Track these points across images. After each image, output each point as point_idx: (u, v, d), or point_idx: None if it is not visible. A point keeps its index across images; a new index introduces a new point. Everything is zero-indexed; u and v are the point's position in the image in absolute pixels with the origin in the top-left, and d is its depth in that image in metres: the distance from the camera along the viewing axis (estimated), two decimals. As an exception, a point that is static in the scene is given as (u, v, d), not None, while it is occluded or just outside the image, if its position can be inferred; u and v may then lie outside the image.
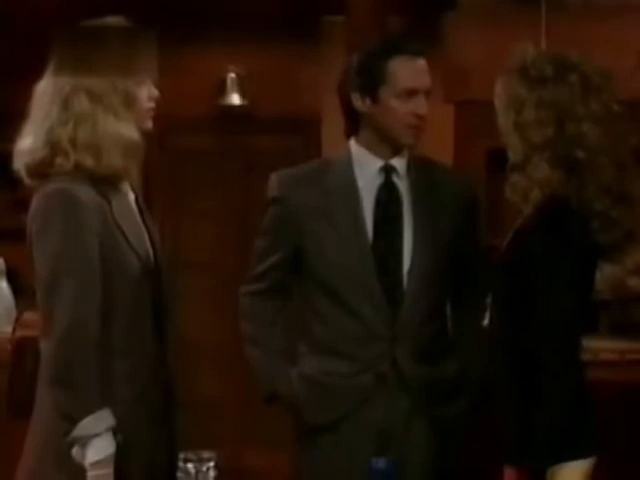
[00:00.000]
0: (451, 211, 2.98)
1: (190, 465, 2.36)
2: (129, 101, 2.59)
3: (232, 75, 5.57)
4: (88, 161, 2.53)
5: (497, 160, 4.52)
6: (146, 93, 2.65)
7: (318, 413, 2.93)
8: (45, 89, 2.58)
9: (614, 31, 4.71)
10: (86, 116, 2.54)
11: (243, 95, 5.59)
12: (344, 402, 2.91)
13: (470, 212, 3.02)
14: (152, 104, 2.67)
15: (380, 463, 2.46)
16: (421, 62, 2.93)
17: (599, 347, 4.48)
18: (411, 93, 2.90)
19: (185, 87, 5.56)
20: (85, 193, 2.52)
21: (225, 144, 5.71)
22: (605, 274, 4.70)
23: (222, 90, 5.59)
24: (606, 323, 4.70)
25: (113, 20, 2.71)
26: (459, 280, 3.03)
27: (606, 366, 4.39)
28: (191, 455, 2.37)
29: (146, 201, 6.21)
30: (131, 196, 2.68)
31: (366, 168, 2.96)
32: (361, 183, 2.96)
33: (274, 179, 2.98)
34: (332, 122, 4.87)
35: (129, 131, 2.56)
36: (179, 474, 2.38)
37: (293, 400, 2.94)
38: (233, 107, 5.61)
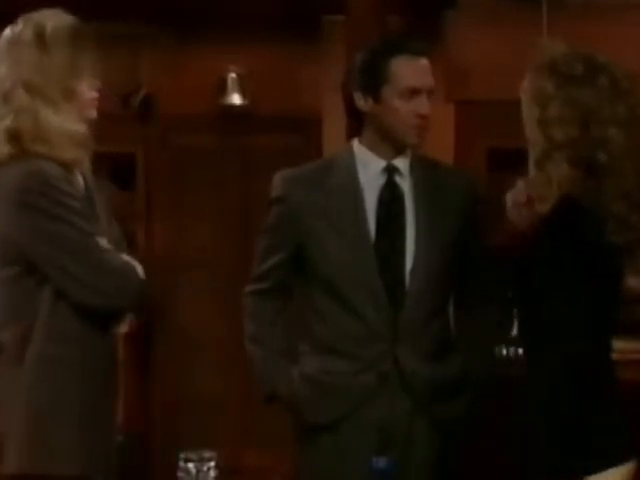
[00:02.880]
0: (454, 210, 2.97)
1: (191, 465, 2.36)
2: (68, 94, 2.61)
3: (233, 75, 5.57)
4: (40, 149, 2.54)
5: (497, 159, 4.54)
6: (86, 85, 2.65)
7: (318, 413, 2.93)
8: None
9: (615, 29, 4.70)
10: (26, 110, 2.56)
11: (243, 94, 5.59)
12: (345, 402, 2.91)
13: (474, 211, 3.02)
14: (94, 94, 2.68)
15: (380, 462, 2.46)
16: (423, 62, 2.92)
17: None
18: (413, 92, 2.90)
19: (186, 86, 5.56)
20: (56, 170, 2.55)
21: (226, 143, 5.71)
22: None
23: (223, 89, 5.59)
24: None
25: (51, 12, 2.68)
26: (462, 279, 3.03)
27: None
28: (192, 455, 2.37)
29: (146, 199, 6.25)
30: (81, 182, 2.70)
31: (369, 168, 2.96)
32: (364, 183, 2.96)
33: (277, 179, 2.98)
34: (332, 121, 4.89)
35: (71, 123, 2.58)
36: (180, 473, 2.38)
37: (293, 400, 2.94)
38: (234, 106, 5.61)
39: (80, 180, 2.68)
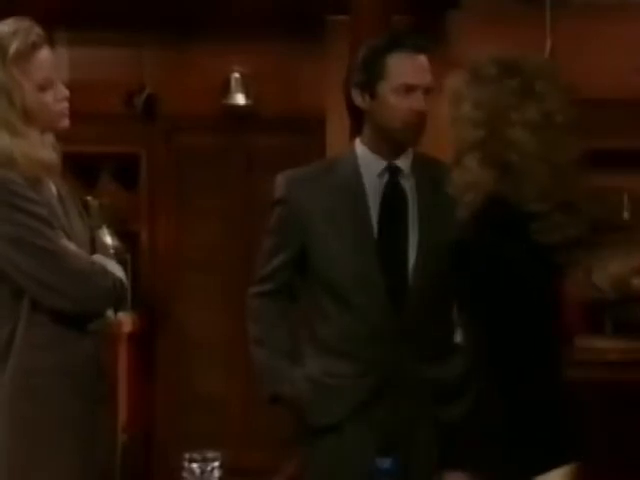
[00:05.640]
0: (455, 211, 2.97)
1: (195, 465, 2.35)
2: (29, 115, 2.59)
3: (236, 75, 5.56)
4: (3, 160, 2.54)
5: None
6: (52, 97, 2.63)
7: (322, 414, 2.92)
8: None
9: (619, 29, 4.70)
10: None
11: (247, 94, 5.58)
12: (348, 403, 2.90)
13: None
14: (64, 104, 2.66)
15: (384, 463, 2.46)
16: (421, 58, 2.90)
17: (603, 347, 4.47)
18: (409, 89, 2.88)
19: (189, 86, 5.56)
20: (17, 177, 2.54)
21: (230, 143, 5.70)
22: (609, 274, 4.69)
23: (226, 89, 5.59)
24: (610, 323, 4.69)
25: (14, 24, 2.64)
26: None
27: (610, 366, 4.38)
28: (196, 455, 2.36)
29: (150, 199, 6.25)
30: (53, 189, 2.69)
31: (371, 168, 2.95)
32: (366, 183, 2.95)
33: (280, 179, 2.97)
34: (336, 121, 4.88)
35: (28, 147, 2.56)
36: (184, 474, 2.38)
37: (296, 401, 2.94)
38: (237, 106, 5.61)
39: (51, 187, 2.67)
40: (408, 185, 2.95)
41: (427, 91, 2.90)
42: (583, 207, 2.59)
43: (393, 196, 2.94)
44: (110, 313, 2.72)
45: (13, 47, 2.58)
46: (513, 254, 2.52)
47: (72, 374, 2.59)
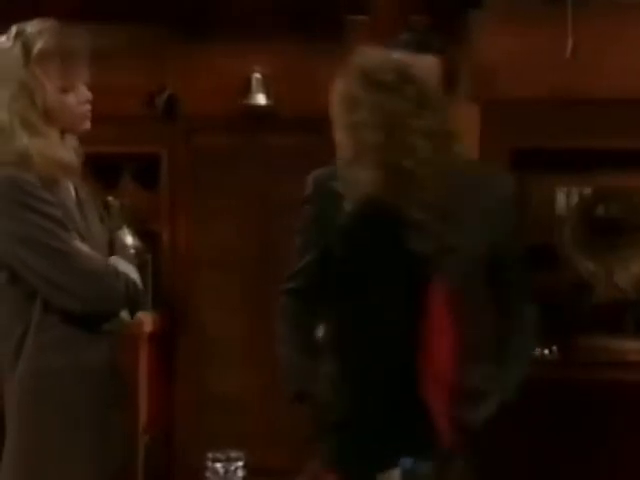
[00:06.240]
0: (482, 211, 2.95)
1: (218, 465, 2.36)
2: (49, 115, 2.60)
3: (257, 75, 5.56)
4: (19, 161, 2.56)
5: (522, 159, 4.52)
6: (75, 99, 2.63)
7: (338, 412, 2.88)
8: None
9: (640, 28, 4.68)
10: (4, 130, 2.57)
11: (268, 95, 5.58)
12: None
13: (505, 213, 2.99)
14: (86, 107, 2.67)
15: (407, 463, 2.45)
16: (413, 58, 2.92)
17: (625, 348, 4.45)
18: None
19: (210, 87, 5.56)
20: (31, 178, 2.56)
21: (250, 143, 5.70)
22: (632, 274, 4.67)
23: (247, 90, 5.58)
24: (631, 323, 4.67)
25: (42, 24, 2.67)
26: (496, 285, 3.01)
27: (630, 367, 4.36)
28: (219, 455, 2.36)
29: (170, 199, 6.24)
30: (71, 191, 2.69)
31: None
32: None
33: (309, 178, 3.01)
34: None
35: (47, 147, 2.58)
36: (207, 474, 2.38)
37: (319, 399, 2.94)
38: (258, 107, 5.60)
39: (69, 188, 2.67)
40: None
41: None
42: (464, 216, 2.65)
43: None
44: (125, 314, 2.73)
45: (37, 47, 2.59)
46: (379, 256, 2.58)
47: (84, 375, 2.60)
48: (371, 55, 2.69)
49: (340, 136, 2.66)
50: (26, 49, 2.59)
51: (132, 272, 2.68)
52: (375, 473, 2.51)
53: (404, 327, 2.63)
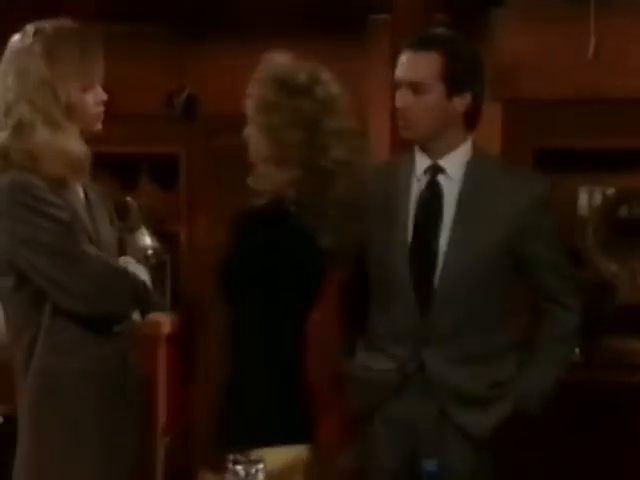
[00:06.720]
0: (507, 214, 2.92)
1: (239, 467, 2.34)
2: (71, 111, 2.60)
3: (277, 74, 5.54)
4: (26, 162, 2.55)
5: (545, 160, 4.49)
6: (92, 99, 2.63)
7: (358, 405, 3.02)
8: None
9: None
10: (24, 125, 2.55)
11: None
12: (374, 397, 2.97)
13: (534, 216, 2.95)
14: (101, 108, 2.68)
15: (431, 466, 2.44)
16: (409, 54, 2.94)
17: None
18: (397, 85, 2.98)
19: (229, 86, 5.52)
20: (38, 181, 2.56)
21: (269, 144, 5.67)
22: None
23: (267, 89, 5.56)
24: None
25: (60, 22, 2.67)
26: (537, 287, 2.98)
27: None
28: (240, 457, 2.35)
29: (189, 200, 6.21)
30: (80, 193, 2.68)
31: (418, 168, 2.98)
32: (414, 183, 2.96)
33: None
34: (378, 121, 4.83)
35: (69, 143, 2.58)
36: (228, 476, 2.36)
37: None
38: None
39: (78, 190, 2.66)
40: (451, 186, 2.94)
41: (412, 87, 2.91)
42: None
43: (429, 197, 2.95)
44: (136, 315, 2.73)
45: (59, 45, 2.60)
46: (281, 251, 2.69)
47: (95, 377, 2.60)
48: (281, 60, 2.89)
49: (256, 137, 2.83)
50: (48, 47, 2.59)
51: (142, 273, 2.68)
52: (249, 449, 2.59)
53: (298, 319, 2.75)
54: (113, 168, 5.14)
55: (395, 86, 3.02)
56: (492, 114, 4.54)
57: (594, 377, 4.31)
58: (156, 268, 5.10)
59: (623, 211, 4.73)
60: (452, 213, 2.94)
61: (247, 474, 2.32)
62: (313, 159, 2.70)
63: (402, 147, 3.22)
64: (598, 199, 4.81)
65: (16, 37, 2.64)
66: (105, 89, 2.74)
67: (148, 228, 5.50)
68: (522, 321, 3.16)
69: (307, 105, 2.73)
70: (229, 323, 2.80)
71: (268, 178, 2.78)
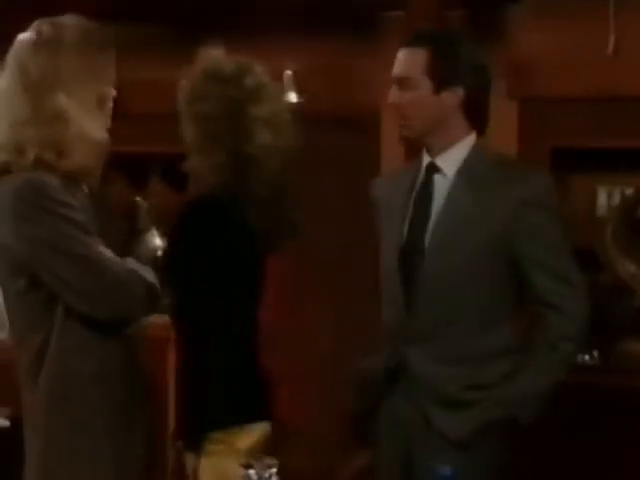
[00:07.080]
0: (495, 214, 2.88)
1: (252, 471, 2.31)
2: (101, 102, 2.64)
3: (289, 72, 5.51)
4: (47, 156, 2.53)
5: (562, 159, 4.44)
6: (113, 93, 2.70)
7: (357, 401, 3.07)
8: (10, 87, 2.57)
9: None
10: (60, 116, 2.54)
11: (300, 93, 5.53)
12: (370, 394, 2.99)
13: (524, 216, 2.89)
14: (111, 104, 2.72)
15: (444, 470, 2.38)
16: (404, 51, 2.95)
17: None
18: (393, 82, 2.99)
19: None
20: (54, 181, 2.54)
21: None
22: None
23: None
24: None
25: (71, 19, 2.67)
26: (531, 289, 2.93)
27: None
28: (254, 461, 2.33)
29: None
30: (86, 193, 2.67)
31: (422, 166, 3.00)
32: (418, 182, 2.99)
33: (374, 180, 3.19)
34: (391, 120, 4.77)
35: (100, 132, 2.61)
36: (241, 480, 2.34)
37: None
38: (290, 105, 5.54)
39: (86, 191, 2.65)
40: (443, 184, 2.94)
41: (399, 82, 2.93)
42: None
43: (421, 196, 2.96)
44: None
45: (85, 41, 2.70)
46: (223, 237, 2.81)
47: (106, 379, 2.58)
48: (213, 53, 2.99)
49: (186, 127, 2.94)
50: (80, 36, 2.61)
51: (149, 274, 2.66)
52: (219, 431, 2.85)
53: (245, 303, 2.90)
54: (123, 167, 5.11)
55: (392, 82, 3.04)
56: (508, 113, 4.50)
57: (612, 381, 4.27)
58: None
59: (642, 211, 4.69)
60: (442, 213, 2.93)
61: (260, 478, 2.30)
62: (238, 146, 2.84)
63: (415, 145, 3.18)
64: (617, 199, 4.77)
65: (45, 28, 2.62)
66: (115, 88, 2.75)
67: (158, 229, 5.47)
68: (522, 325, 3.09)
69: (233, 93, 2.87)
70: (178, 312, 2.93)
71: (196, 165, 2.90)
